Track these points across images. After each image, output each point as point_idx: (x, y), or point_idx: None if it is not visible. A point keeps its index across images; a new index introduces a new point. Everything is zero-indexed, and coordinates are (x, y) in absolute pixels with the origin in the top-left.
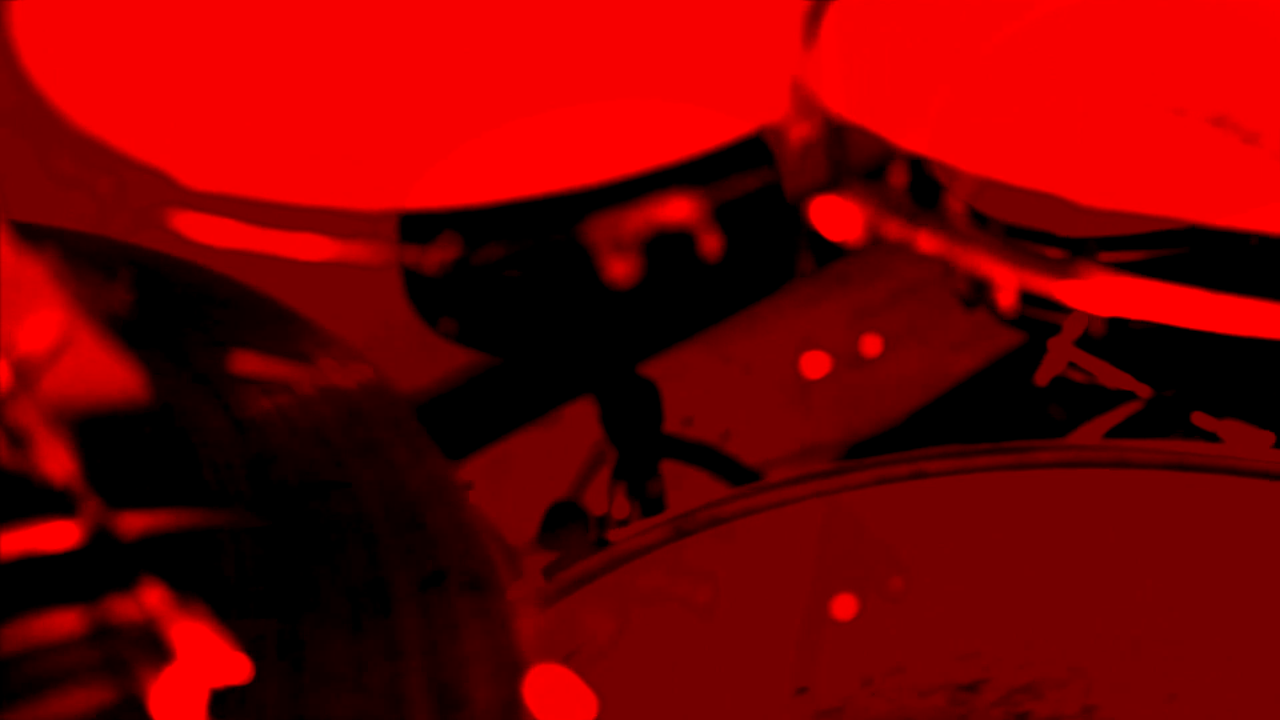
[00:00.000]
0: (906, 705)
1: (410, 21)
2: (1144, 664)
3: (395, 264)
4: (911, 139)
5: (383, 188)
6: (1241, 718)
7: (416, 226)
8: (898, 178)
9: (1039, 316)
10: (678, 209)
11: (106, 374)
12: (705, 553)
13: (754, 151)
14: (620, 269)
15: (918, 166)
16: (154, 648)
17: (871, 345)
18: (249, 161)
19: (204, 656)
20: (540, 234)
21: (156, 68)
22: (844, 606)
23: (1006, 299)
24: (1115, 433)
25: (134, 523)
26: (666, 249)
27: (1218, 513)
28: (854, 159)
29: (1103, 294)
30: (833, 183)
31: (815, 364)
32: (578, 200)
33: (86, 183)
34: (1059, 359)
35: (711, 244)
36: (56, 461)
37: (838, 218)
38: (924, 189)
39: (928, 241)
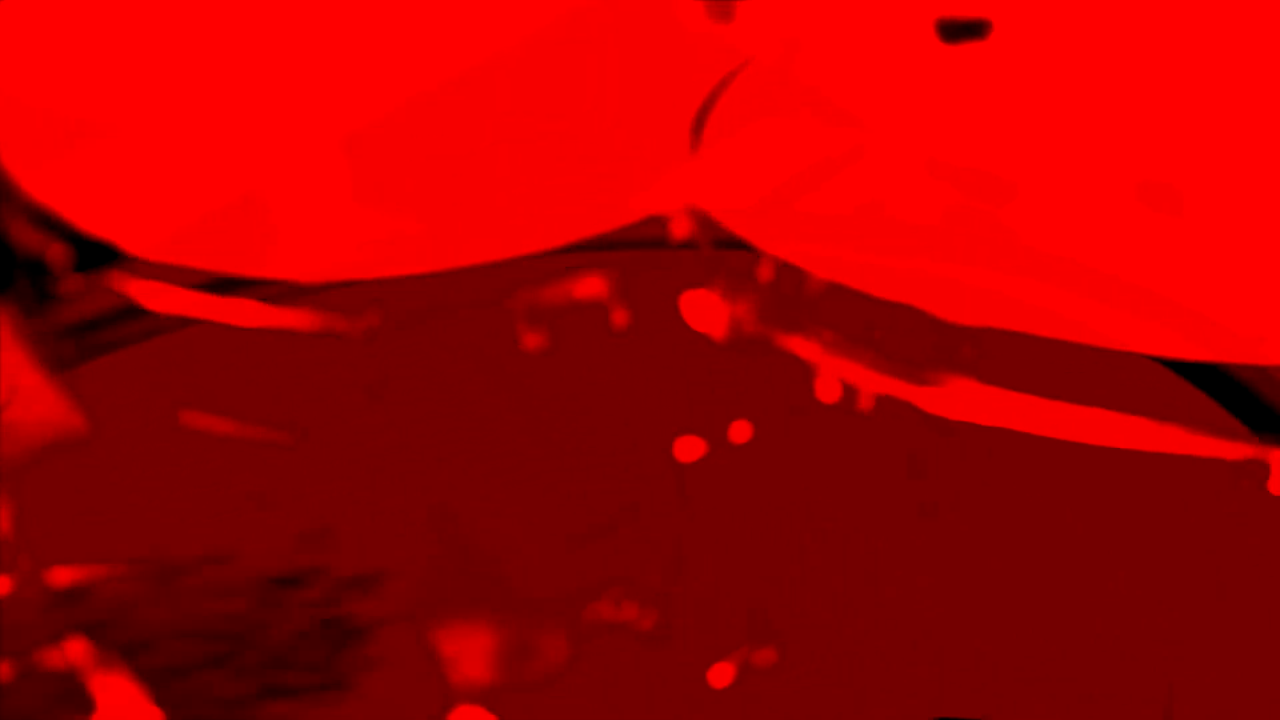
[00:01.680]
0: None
1: (331, 114)
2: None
3: (325, 331)
4: (778, 244)
5: (314, 261)
6: None
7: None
8: (764, 275)
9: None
10: (589, 285)
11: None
12: None
13: None
14: (532, 340)
15: (784, 268)
16: (76, 699)
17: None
18: (192, 234)
19: (124, 708)
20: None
21: (108, 147)
22: None
23: (865, 402)
24: None
25: (63, 576)
26: None
27: None
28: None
29: (961, 401)
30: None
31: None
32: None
33: (39, 249)
34: None
35: (620, 318)
36: None
37: (706, 312)
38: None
39: (791, 342)
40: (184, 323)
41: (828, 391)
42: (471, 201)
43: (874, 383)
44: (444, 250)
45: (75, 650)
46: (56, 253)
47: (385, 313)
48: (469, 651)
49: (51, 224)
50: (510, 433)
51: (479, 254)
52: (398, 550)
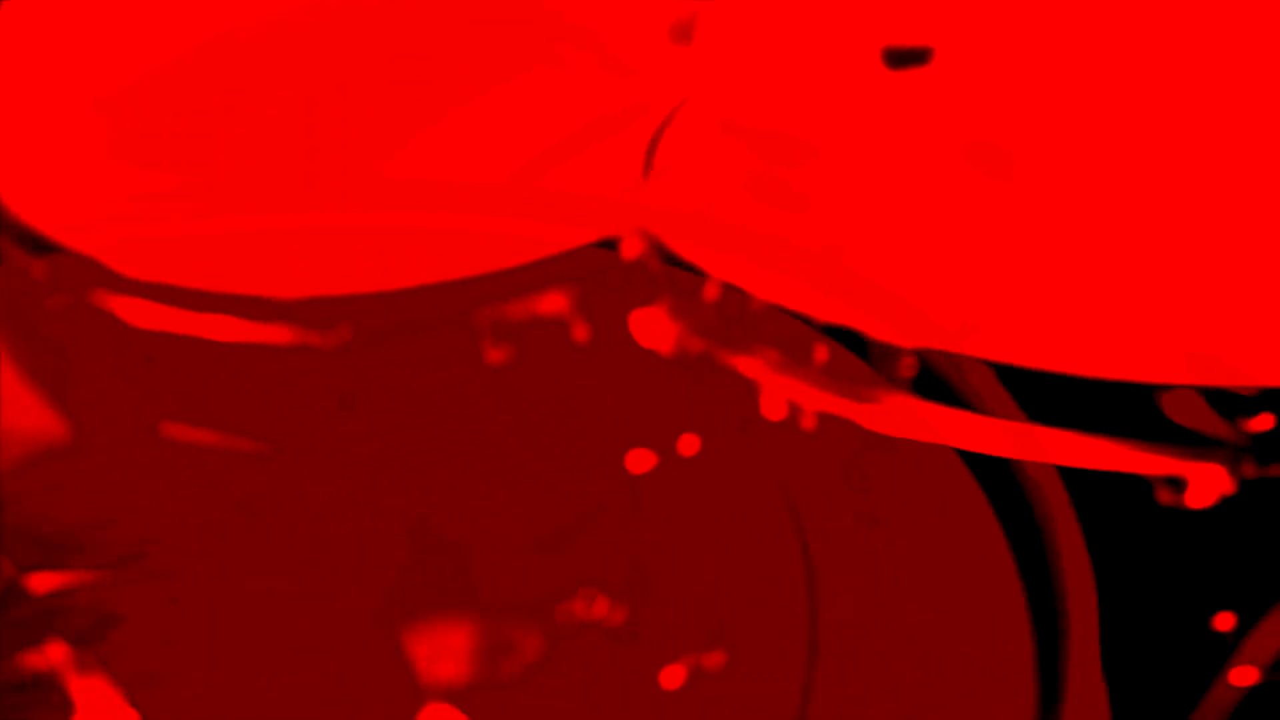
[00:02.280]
0: None
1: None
2: None
3: (299, 345)
4: (723, 266)
5: (290, 279)
6: None
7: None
8: (710, 295)
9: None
10: (552, 302)
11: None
12: None
13: None
14: (496, 355)
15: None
16: (55, 702)
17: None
18: (175, 253)
19: (102, 711)
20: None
21: (92, 169)
22: None
23: (809, 422)
24: None
25: (44, 582)
26: None
27: None
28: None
29: (902, 418)
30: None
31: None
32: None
33: (23, 266)
34: None
35: (580, 334)
36: None
37: (654, 330)
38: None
39: (737, 361)
40: (165, 337)
41: (772, 409)
42: (437, 220)
43: (816, 400)
44: (412, 267)
45: (55, 654)
46: (40, 270)
47: (357, 327)
48: (442, 651)
49: (36, 242)
50: (475, 443)
51: (445, 271)
52: (371, 554)
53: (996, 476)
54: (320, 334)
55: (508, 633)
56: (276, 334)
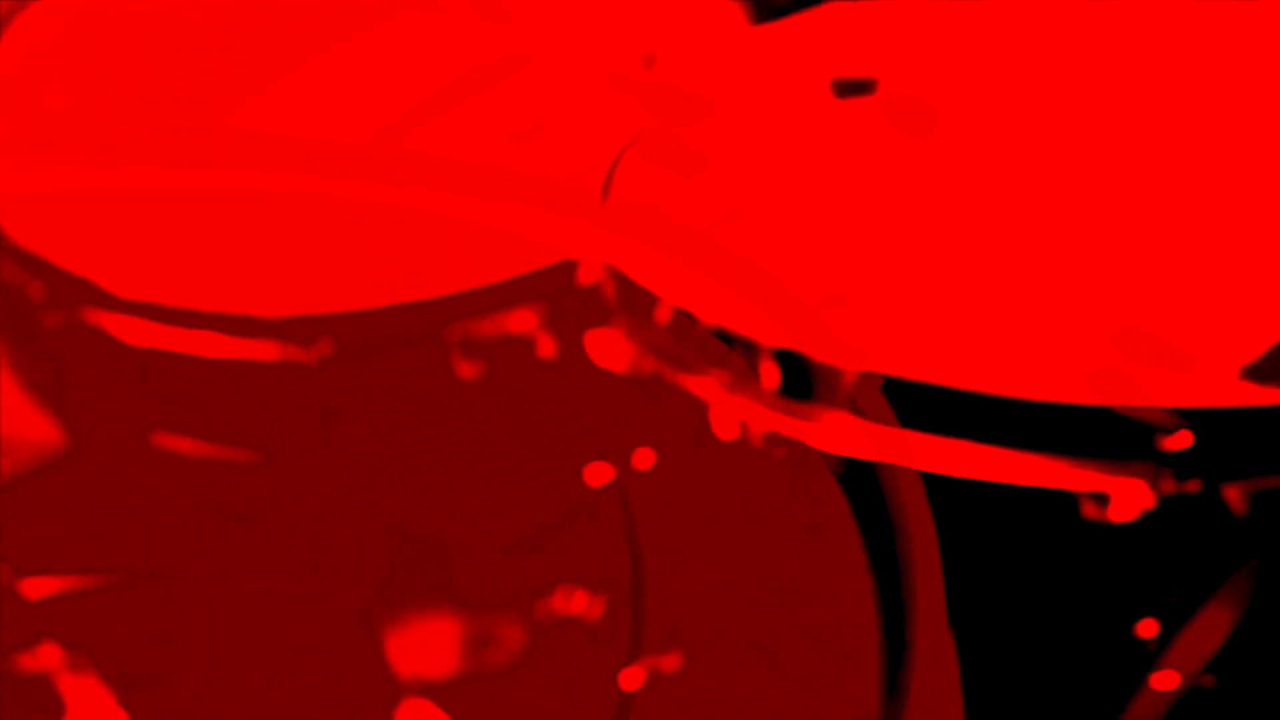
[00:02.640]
0: None
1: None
2: None
3: (284, 361)
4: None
5: (274, 298)
6: None
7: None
8: (662, 318)
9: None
10: (520, 320)
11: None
12: None
13: None
14: (468, 369)
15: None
16: (48, 702)
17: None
18: (166, 275)
19: (92, 711)
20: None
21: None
22: None
23: (756, 438)
24: None
25: (39, 586)
26: None
27: None
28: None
29: (845, 436)
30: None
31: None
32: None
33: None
34: None
35: (546, 350)
36: None
37: (610, 350)
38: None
39: (689, 382)
40: (156, 353)
41: (723, 427)
42: (412, 241)
43: (763, 419)
44: (388, 285)
45: (48, 656)
46: (37, 289)
47: (338, 343)
48: (427, 645)
49: (33, 263)
50: (448, 452)
51: (418, 290)
52: (354, 555)
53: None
54: (303, 349)
55: (490, 626)
56: (262, 350)
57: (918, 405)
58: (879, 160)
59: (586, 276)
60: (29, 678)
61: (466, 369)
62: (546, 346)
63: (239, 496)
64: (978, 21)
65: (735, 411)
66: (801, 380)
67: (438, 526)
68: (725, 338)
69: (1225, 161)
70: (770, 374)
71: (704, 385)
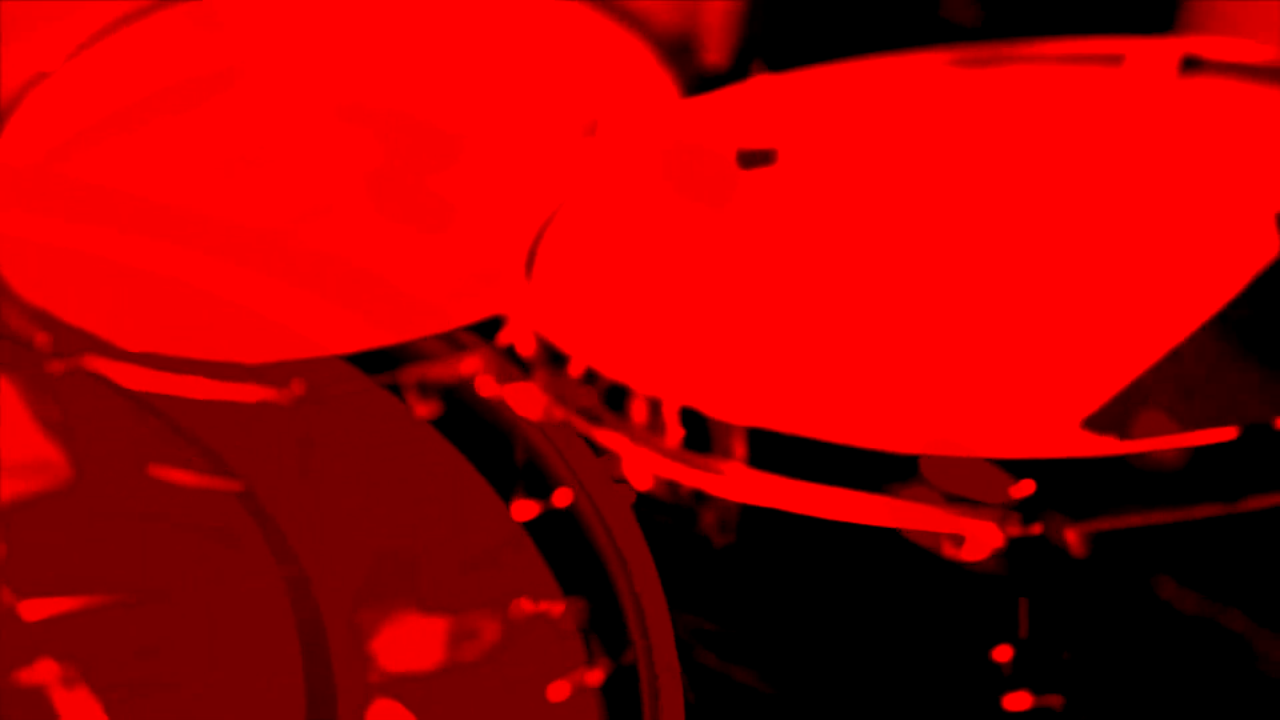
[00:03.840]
0: None
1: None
2: None
3: (262, 401)
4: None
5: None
6: None
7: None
8: (575, 372)
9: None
10: (470, 363)
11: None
12: None
13: None
14: (423, 409)
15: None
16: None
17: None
18: (161, 327)
19: None
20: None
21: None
22: None
23: (641, 484)
24: None
25: (35, 609)
26: None
27: None
28: None
29: (740, 487)
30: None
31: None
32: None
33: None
34: None
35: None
36: None
37: (526, 400)
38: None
39: (602, 435)
40: (151, 395)
41: (635, 477)
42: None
43: (667, 470)
44: (353, 334)
45: (44, 671)
46: (43, 339)
47: (309, 385)
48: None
49: (39, 315)
50: (408, 483)
51: (379, 338)
52: (332, 572)
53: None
54: (279, 391)
55: (466, 622)
56: (244, 392)
57: (801, 457)
58: (778, 229)
59: (504, 338)
60: (25, 692)
61: (423, 409)
62: (489, 389)
63: (226, 521)
64: (911, 92)
65: (644, 463)
66: (701, 434)
67: (402, 543)
68: (632, 394)
69: (1076, 224)
70: (673, 428)
71: (612, 437)
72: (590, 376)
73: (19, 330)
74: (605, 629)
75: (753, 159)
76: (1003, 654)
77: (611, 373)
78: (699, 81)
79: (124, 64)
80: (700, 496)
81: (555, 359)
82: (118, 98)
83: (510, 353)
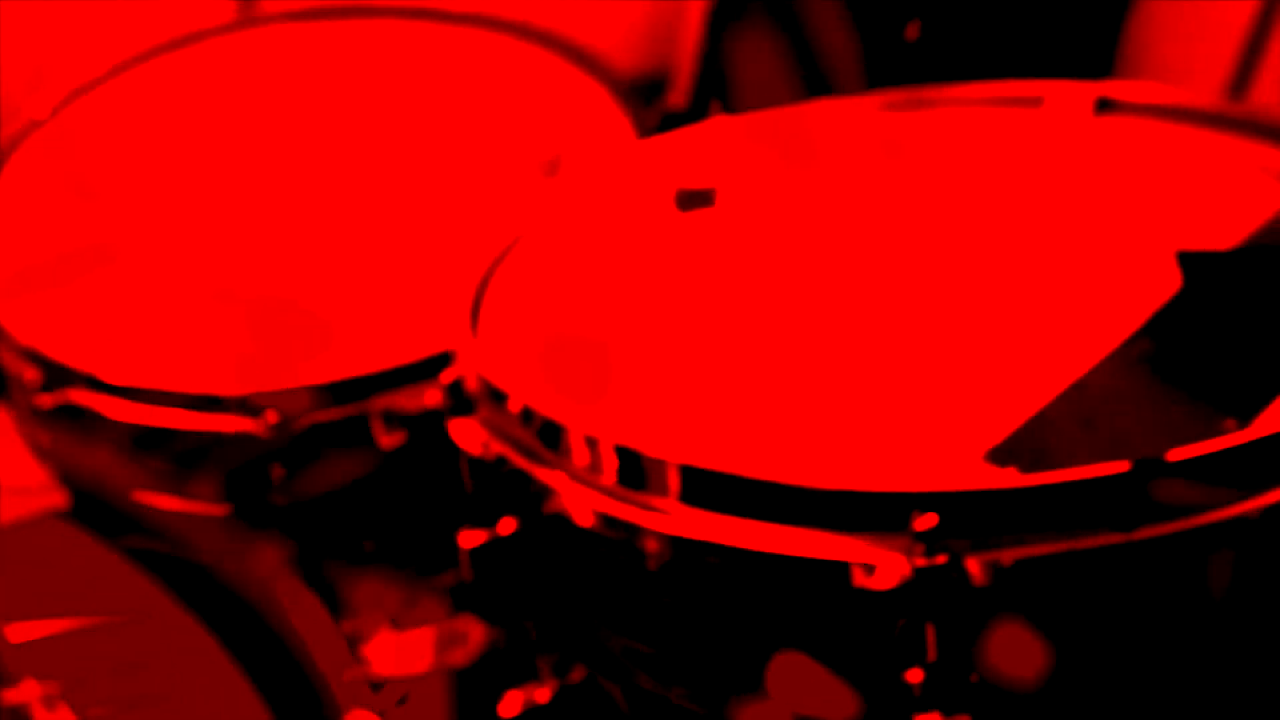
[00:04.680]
0: None
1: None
2: None
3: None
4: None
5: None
6: None
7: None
8: (515, 407)
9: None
10: (432, 395)
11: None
12: None
13: None
14: (388, 440)
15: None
16: None
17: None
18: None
19: None
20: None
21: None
22: None
23: (582, 519)
24: None
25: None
26: None
27: None
28: None
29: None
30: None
31: None
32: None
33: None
34: None
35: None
36: None
37: (467, 436)
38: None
39: (541, 473)
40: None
41: (578, 514)
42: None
43: (603, 505)
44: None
45: (27, 691)
46: (33, 375)
47: (281, 415)
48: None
49: (30, 355)
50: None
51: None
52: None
53: None
54: (255, 421)
55: (456, 627)
56: (223, 422)
57: (733, 494)
58: (715, 269)
59: (447, 378)
60: (9, 712)
61: (388, 440)
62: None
63: (209, 543)
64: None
65: (580, 498)
66: (636, 472)
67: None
68: (569, 432)
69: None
70: (609, 466)
71: (551, 474)
72: (527, 415)
73: (11, 367)
74: (551, 650)
75: (691, 200)
76: (914, 675)
77: (548, 411)
78: (662, 121)
79: (113, 113)
80: (636, 530)
81: (496, 396)
82: (106, 147)
83: (455, 389)
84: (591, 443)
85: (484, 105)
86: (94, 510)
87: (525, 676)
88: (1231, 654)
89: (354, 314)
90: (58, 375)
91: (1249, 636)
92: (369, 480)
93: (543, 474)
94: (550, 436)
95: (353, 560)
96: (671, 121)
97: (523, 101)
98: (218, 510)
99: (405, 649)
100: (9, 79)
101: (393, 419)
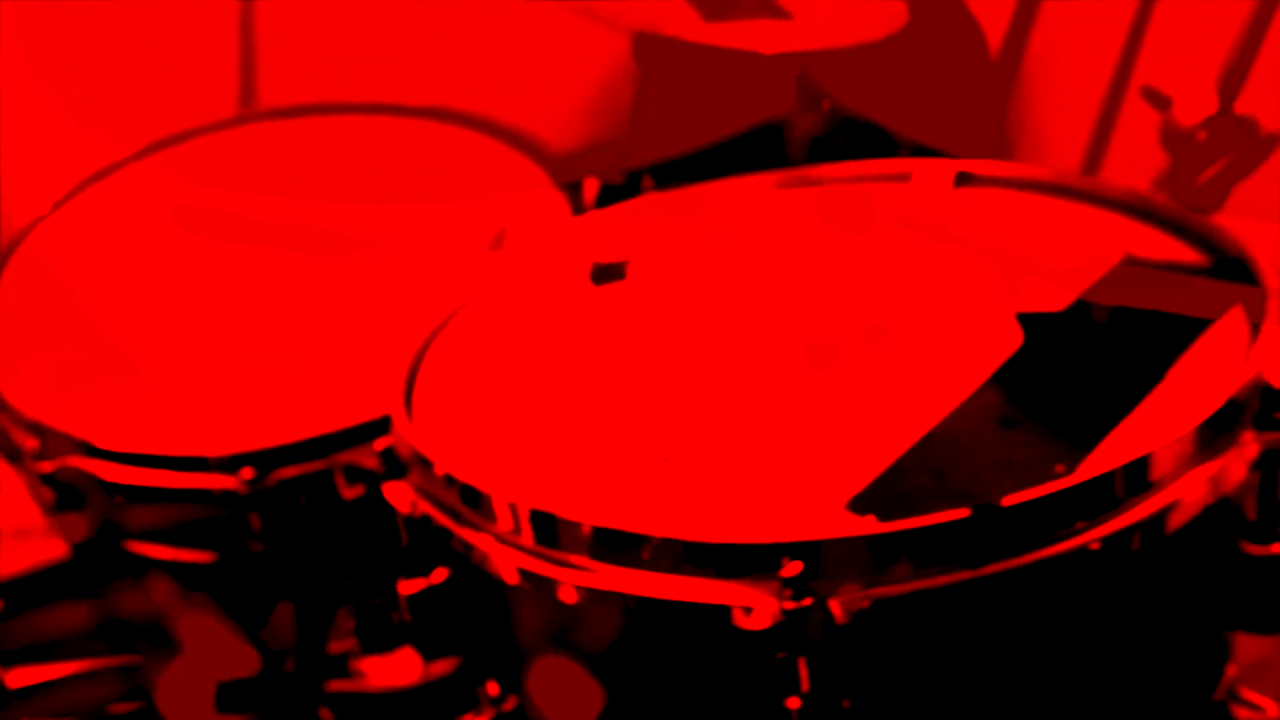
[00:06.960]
0: None
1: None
2: None
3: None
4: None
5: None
6: None
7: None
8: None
9: None
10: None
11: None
12: None
13: None
14: (349, 492)
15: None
16: (161, 641)
17: None
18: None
19: (211, 649)
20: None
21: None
22: None
23: (508, 577)
24: None
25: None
26: None
27: None
28: None
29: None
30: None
31: None
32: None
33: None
34: None
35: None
36: None
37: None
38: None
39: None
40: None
41: (504, 572)
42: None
43: (532, 565)
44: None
45: (159, 591)
46: (31, 442)
47: (255, 472)
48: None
49: (30, 425)
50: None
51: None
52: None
53: None
54: (234, 480)
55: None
56: (207, 480)
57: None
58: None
59: (380, 444)
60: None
61: (350, 492)
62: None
63: (199, 588)
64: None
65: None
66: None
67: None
68: (491, 496)
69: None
70: (526, 525)
71: (477, 535)
72: (450, 480)
73: (14, 437)
74: (486, 680)
75: (604, 274)
76: (793, 703)
77: (469, 478)
78: (600, 194)
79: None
80: (553, 583)
81: (424, 461)
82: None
83: (388, 454)
84: (514, 507)
85: (438, 187)
86: (91, 560)
87: (467, 705)
88: (1081, 673)
89: (319, 379)
90: (57, 443)
91: (1097, 657)
92: (334, 528)
93: (468, 535)
94: (472, 500)
95: (332, 594)
96: (609, 195)
97: (471, 184)
98: (205, 558)
99: (397, 663)
100: (10, 176)
101: (354, 473)
